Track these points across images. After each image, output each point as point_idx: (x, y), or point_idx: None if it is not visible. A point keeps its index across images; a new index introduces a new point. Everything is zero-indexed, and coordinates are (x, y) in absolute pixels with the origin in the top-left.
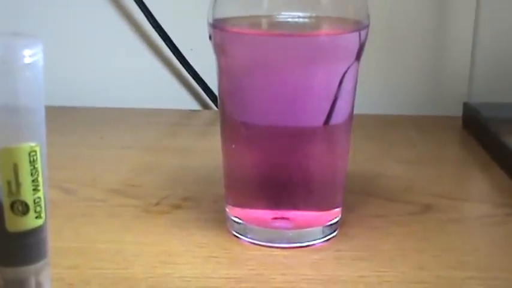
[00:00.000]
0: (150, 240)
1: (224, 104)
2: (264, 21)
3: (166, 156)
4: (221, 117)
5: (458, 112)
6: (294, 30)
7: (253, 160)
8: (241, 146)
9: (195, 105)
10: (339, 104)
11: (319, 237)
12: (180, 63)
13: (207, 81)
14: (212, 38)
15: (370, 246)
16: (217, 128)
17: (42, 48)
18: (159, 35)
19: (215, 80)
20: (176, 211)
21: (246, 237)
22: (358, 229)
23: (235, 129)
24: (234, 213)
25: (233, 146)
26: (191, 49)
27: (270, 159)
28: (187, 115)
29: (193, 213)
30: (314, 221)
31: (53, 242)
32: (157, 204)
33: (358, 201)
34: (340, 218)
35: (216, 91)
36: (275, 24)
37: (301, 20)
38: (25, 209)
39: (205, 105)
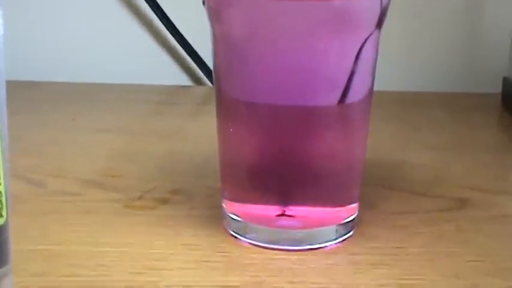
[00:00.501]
0: (132, 242)
1: (220, 79)
2: None
3: (152, 140)
4: (217, 94)
5: (497, 89)
6: None
7: (255, 146)
8: (241, 130)
9: (185, 81)
10: (356, 79)
11: (332, 238)
12: (169, 31)
13: (200, 53)
14: (206, 2)
15: (393, 249)
16: (212, 108)
17: (2, 13)
18: None
19: (210, 52)
20: (163, 206)
21: (246, 237)
22: (378, 228)
23: (233, 109)
24: (232, 209)
25: (231, 129)
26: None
27: (274, 145)
28: (176, 92)
29: (183, 209)
30: (326, 219)
31: (16, 244)
32: (140, 198)
33: (378, 195)
34: (357, 215)
35: (210, 64)
36: None
37: None
38: None
39: (197, 81)
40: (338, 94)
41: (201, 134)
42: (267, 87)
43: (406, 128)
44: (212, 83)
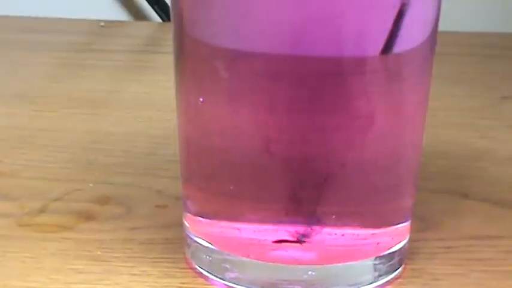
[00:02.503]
0: (30, 285)
1: (183, 12)
2: None
3: (64, 113)
4: (177, 39)
5: None
6: None
7: (243, 128)
8: (221, 99)
9: (117, 14)
10: (410, 15)
11: (367, 279)
12: None
13: None
14: None
15: None
16: (163, 59)
17: None
18: None
19: None
20: (83, 225)
21: (223, 277)
22: (442, 264)
23: (206, 63)
24: (200, 230)
25: (201, 99)
26: None
27: (274, 124)
28: (104, 32)
29: (118, 229)
30: (358, 248)
31: None
32: (43, 211)
33: (444, 208)
34: (409, 242)
35: None
36: None
37: None
38: None
39: (137, 14)
40: (381, 40)
41: (145, 103)
42: (270, 28)
43: (488, 94)
44: (163, 18)
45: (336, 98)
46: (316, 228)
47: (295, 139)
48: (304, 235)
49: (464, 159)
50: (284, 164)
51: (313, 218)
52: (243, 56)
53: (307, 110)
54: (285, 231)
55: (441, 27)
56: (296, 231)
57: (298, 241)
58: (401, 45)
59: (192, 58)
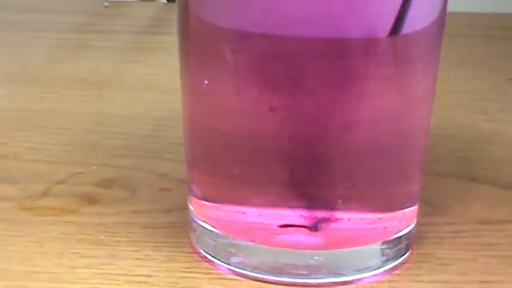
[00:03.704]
0: (35, 270)
1: None
2: None
3: (66, 95)
4: (181, 21)
5: None
6: None
7: (249, 111)
8: (227, 80)
9: None
10: None
11: (374, 263)
12: None
13: None
14: None
15: (477, 283)
16: (168, 41)
17: None
18: None
19: None
20: (86, 209)
21: (228, 262)
22: (451, 249)
23: (211, 45)
24: (205, 214)
25: (206, 81)
26: None
27: (281, 107)
28: (106, 12)
29: (122, 213)
30: (365, 233)
31: None
32: (45, 194)
33: (451, 192)
34: (416, 226)
35: None
36: None
37: None
38: None
39: None
40: (390, 20)
41: (148, 84)
42: (275, 9)
43: (496, 77)
44: None
45: (343, 79)
46: (322, 212)
47: (301, 121)
48: (321, 221)
49: (472, 142)
50: (289, 146)
51: (318, 202)
52: (248, 37)
53: (313, 92)
54: (290, 215)
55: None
56: (312, 216)
57: (313, 227)
58: (410, 26)
59: (197, 39)
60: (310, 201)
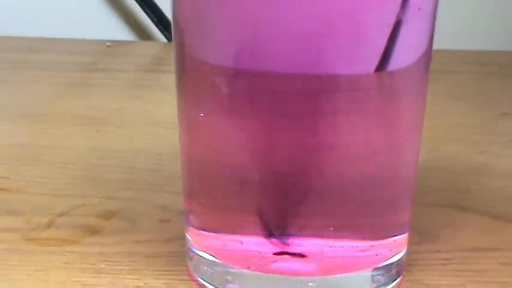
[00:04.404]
0: None
1: (184, 32)
2: None
3: (69, 130)
4: (178, 57)
5: None
6: None
7: (242, 143)
8: (221, 115)
9: (123, 34)
10: (404, 32)
11: None
12: None
13: None
14: None
15: None
16: (167, 77)
17: None
18: None
19: None
20: (88, 239)
21: None
22: (441, 276)
23: (205, 80)
24: (202, 243)
25: (202, 114)
26: None
27: (273, 140)
28: (110, 51)
29: (123, 243)
30: (357, 260)
31: None
32: (49, 226)
33: (441, 221)
34: (407, 254)
35: (166, 12)
36: None
37: None
38: None
39: (142, 34)
40: (376, 57)
41: (148, 120)
42: (266, 47)
43: (488, 111)
44: (168, 38)
45: (331, 115)
46: (314, 240)
47: (291, 155)
48: (283, 242)
49: (464, 173)
50: (279, 181)
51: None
52: (242, 73)
53: (304, 127)
54: (283, 243)
55: (441, 45)
56: (294, 243)
57: (297, 253)
58: (396, 62)
59: (192, 75)
60: (303, 233)
